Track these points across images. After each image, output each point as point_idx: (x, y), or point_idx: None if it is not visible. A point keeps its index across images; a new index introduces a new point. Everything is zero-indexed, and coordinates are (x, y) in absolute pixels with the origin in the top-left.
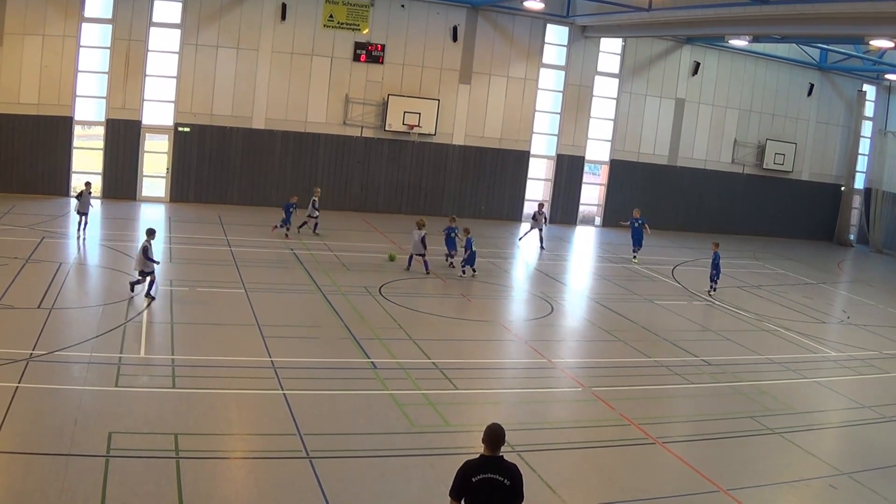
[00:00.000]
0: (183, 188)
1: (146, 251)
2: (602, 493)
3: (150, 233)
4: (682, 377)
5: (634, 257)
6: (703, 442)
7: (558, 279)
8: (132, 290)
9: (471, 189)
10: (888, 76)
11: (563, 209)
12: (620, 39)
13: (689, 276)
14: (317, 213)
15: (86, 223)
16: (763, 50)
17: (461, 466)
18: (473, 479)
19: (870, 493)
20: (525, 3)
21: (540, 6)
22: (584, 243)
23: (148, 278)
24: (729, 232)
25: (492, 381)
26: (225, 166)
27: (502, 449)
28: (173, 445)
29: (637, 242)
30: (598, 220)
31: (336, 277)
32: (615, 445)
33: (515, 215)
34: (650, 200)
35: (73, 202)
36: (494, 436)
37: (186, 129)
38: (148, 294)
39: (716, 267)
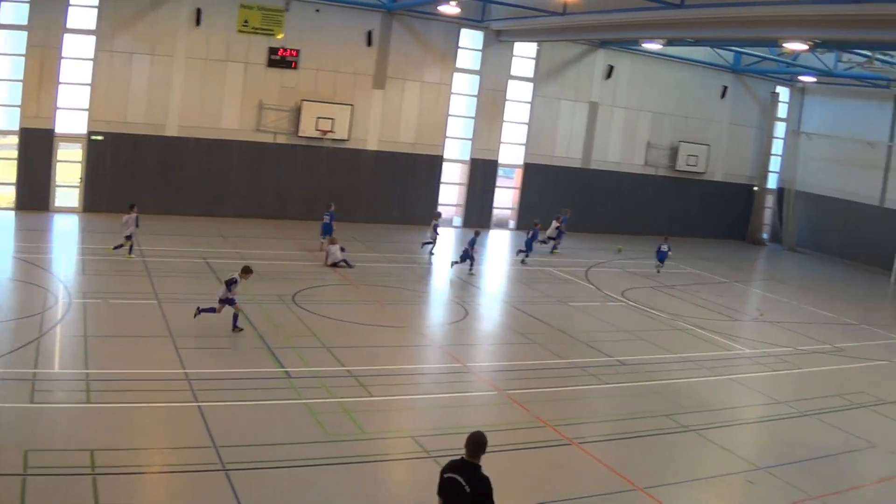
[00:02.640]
0: (96, 198)
1: (230, 284)
2: (520, 496)
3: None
4: (597, 378)
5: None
6: (620, 441)
7: (472, 283)
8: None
9: (384, 194)
10: (802, 78)
11: (477, 213)
12: (535, 43)
13: (602, 277)
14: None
15: None
16: (677, 53)
17: (444, 465)
18: (444, 476)
19: (787, 486)
20: (440, 8)
21: (455, 11)
22: (498, 247)
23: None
24: (643, 233)
25: (407, 387)
26: (138, 175)
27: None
28: (90, 462)
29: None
30: (511, 224)
31: (249, 286)
32: (531, 448)
33: (429, 220)
34: (564, 203)
35: None
36: (471, 442)
37: (100, 138)
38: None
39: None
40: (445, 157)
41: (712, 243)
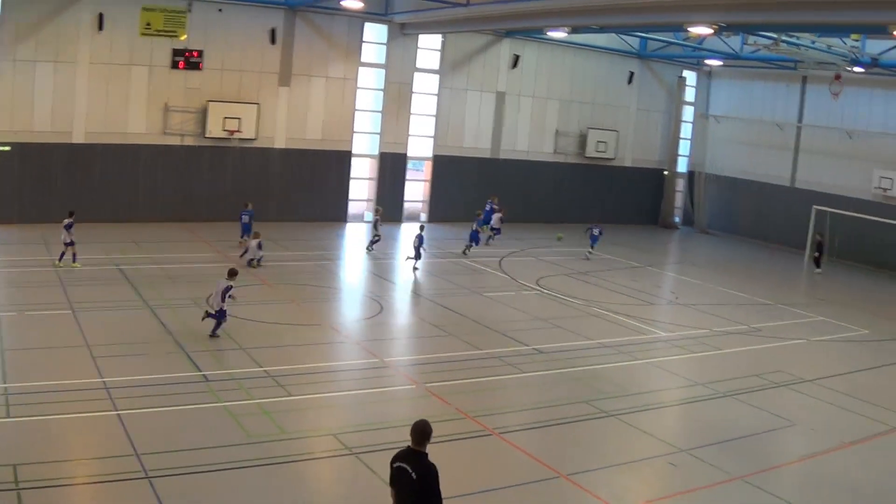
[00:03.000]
0: (5, 209)
1: (227, 291)
2: (444, 489)
3: (233, 273)
4: (515, 367)
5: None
6: (541, 430)
7: (386, 278)
8: (214, 334)
9: (294, 192)
10: (708, 62)
11: (389, 207)
12: (439, 35)
13: (517, 266)
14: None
15: None
16: (583, 40)
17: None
18: (392, 465)
19: (709, 467)
20: (343, 3)
21: (358, 5)
22: (411, 240)
23: (219, 319)
24: (556, 221)
25: (325, 385)
26: (47, 183)
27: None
28: (13, 477)
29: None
30: (423, 217)
31: (163, 291)
32: (453, 440)
33: (340, 216)
34: (475, 194)
35: None
36: (415, 431)
37: (6, 148)
38: (214, 333)
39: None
40: (354, 152)
41: (625, 228)
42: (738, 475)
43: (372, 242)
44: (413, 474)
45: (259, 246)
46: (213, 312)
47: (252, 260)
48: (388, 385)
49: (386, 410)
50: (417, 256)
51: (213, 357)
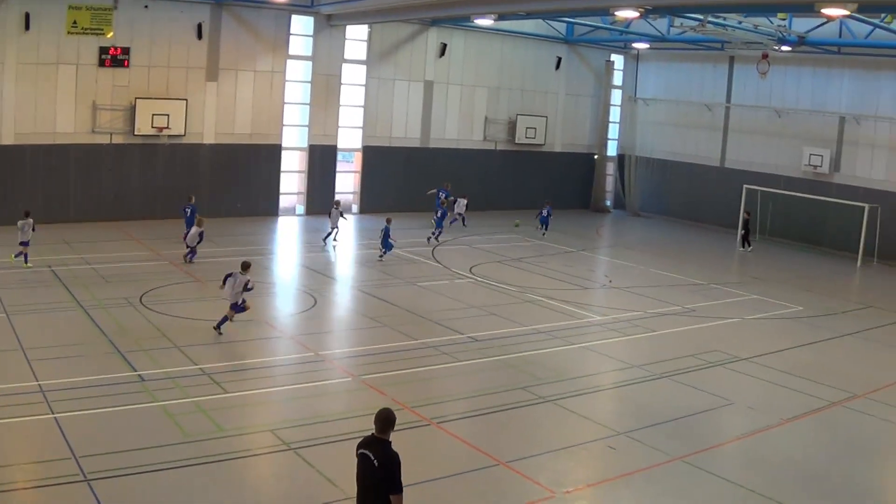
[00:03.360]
0: None
1: (247, 285)
2: None
3: (246, 266)
4: (451, 356)
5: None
6: (479, 418)
7: (320, 271)
8: (218, 330)
9: (225, 187)
10: (635, 45)
11: (319, 199)
12: (366, 26)
13: (449, 255)
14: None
15: None
16: (509, 27)
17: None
18: (357, 453)
19: (648, 449)
20: None
21: None
22: (343, 232)
23: (232, 311)
24: (487, 208)
25: (261, 381)
26: None
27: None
28: None
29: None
30: (354, 208)
31: (96, 291)
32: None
33: (271, 210)
34: (406, 184)
35: None
36: (378, 419)
37: None
38: (218, 326)
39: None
40: (284, 145)
41: (556, 213)
42: (677, 456)
43: (328, 235)
44: (375, 462)
45: (200, 236)
46: (235, 304)
47: (192, 246)
48: (324, 379)
49: (323, 404)
50: (387, 248)
51: (148, 357)
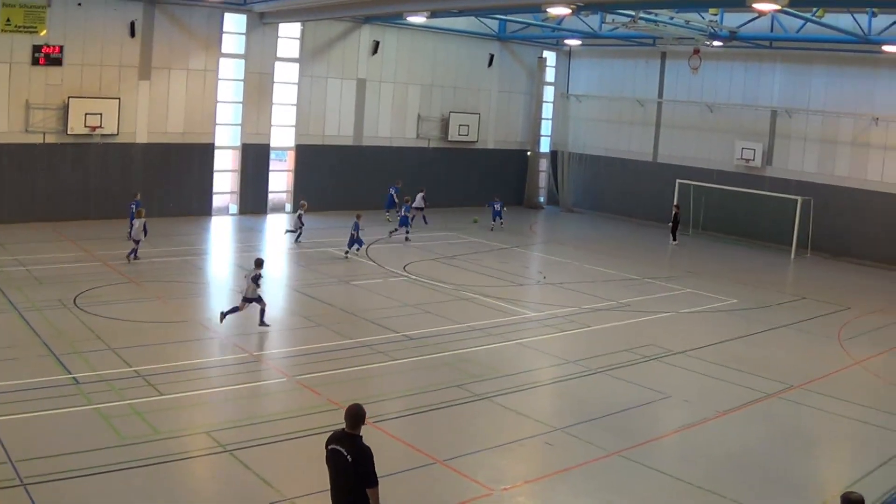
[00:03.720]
0: None
1: (257, 279)
2: (319, 482)
3: (260, 263)
4: (386, 354)
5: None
6: (415, 416)
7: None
8: (262, 323)
9: (158, 187)
10: (567, 41)
11: (252, 199)
12: (299, 23)
13: (383, 254)
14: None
15: None
16: (442, 25)
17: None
18: (327, 448)
19: (585, 444)
20: None
21: None
22: (277, 231)
23: (259, 305)
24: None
25: (196, 382)
26: None
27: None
28: None
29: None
30: (287, 207)
31: (29, 292)
32: (326, 431)
33: (205, 209)
34: (339, 182)
35: None
36: (349, 415)
37: None
38: (262, 322)
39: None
40: (217, 144)
41: (489, 210)
42: (614, 450)
43: (292, 233)
44: (348, 457)
45: (144, 228)
46: (254, 298)
47: (137, 240)
48: (259, 379)
49: (258, 405)
50: (358, 243)
51: (82, 359)
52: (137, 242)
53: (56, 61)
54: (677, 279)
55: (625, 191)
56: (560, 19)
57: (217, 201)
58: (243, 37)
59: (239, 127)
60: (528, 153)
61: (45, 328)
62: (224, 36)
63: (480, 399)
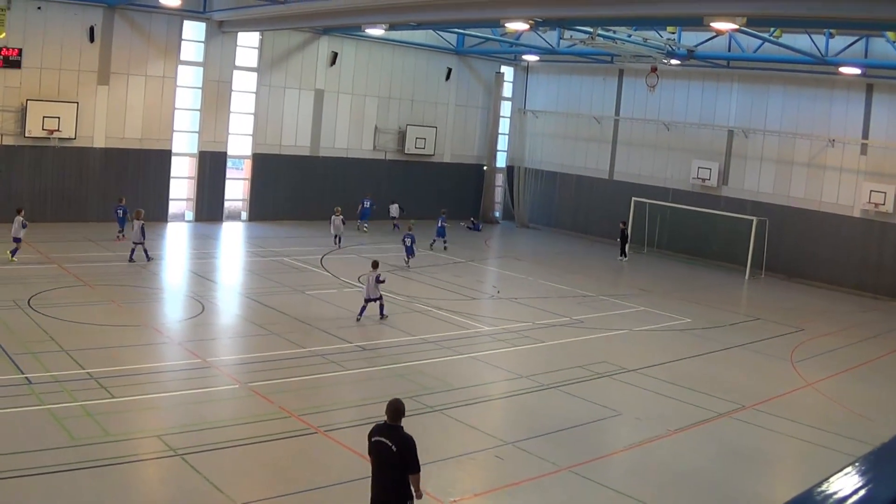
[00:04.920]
0: None
1: (378, 278)
2: (269, 488)
3: (376, 264)
4: (339, 364)
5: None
6: (366, 426)
7: (208, 277)
8: (383, 315)
9: (114, 192)
10: (525, 57)
11: (209, 206)
12: (258, 33)
13: (338, 264)
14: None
15: None
16: (400, 37)
17: (369, 430)
18: (371, 440)
19: (536, 459)
20: (161, 1)
21: (177, 3)
22: (232, 239)
23: (378, 302)
24: (375, 218)
25: (148, 386)
26: None
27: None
28: None
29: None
30: (244, 216)
31: None
32: (277, 439)
33: (161, 215)
34: (295, 192)
35: None
36: (391, 409)
37: None
38: (382, 315)
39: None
40: (174, 150)
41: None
42: (565, 466)
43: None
44: (393, 447)
45: (142, 230)
46: (374, 298)
47: (139, 242)
48: (211, 385)
49: (210, 410)
50: (410, 254)
51: (35, 360)
52: (136, 244)
53: (15, 64)
54: (631, 297)
55: (580, 208)
56: (518, 35)
57: (173, 208)
58: (202, 45)
59: (196, 134)
60: (485, 168)
61: None
62: (183, 43)
63: (432, 411)
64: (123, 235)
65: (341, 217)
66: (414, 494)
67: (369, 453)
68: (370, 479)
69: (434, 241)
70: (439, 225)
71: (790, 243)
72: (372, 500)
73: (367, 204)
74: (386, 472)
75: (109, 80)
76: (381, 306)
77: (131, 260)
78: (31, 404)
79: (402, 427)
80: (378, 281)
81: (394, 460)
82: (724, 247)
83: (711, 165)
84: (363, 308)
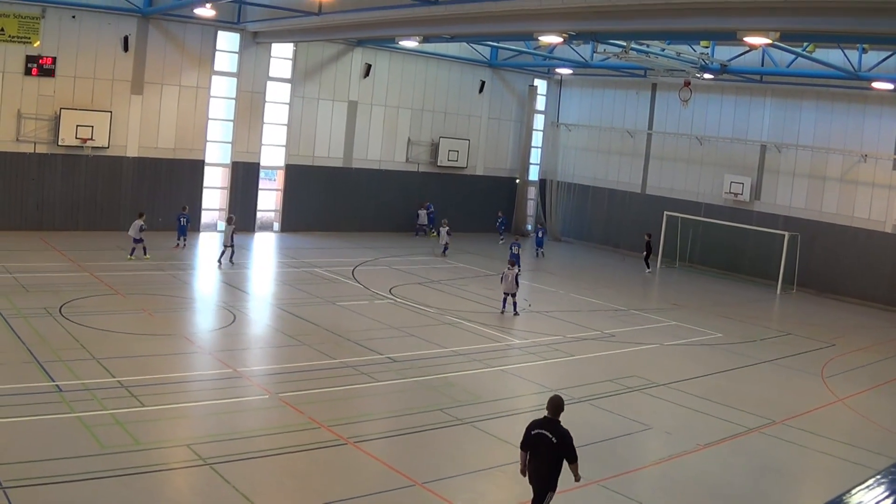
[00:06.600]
0: None
1: (517, 276)
2: (298, 498)
3: (516, 258)
4: (369, 376)
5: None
6: (396, 438)
7: (240, 287)
8: (516, 313)
9: (147, 201)
10: (559, 70)
11: (241, 216)
12: (292, 44)
13: (369, 275)
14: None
15: None
16: (434, 50)
17: (528, 424)
18: (532, 433)
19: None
20: (196, 11)
21: (211, 13)
22: (265, 250)
23: (513, 298)
24: (408, 230)
25: (179, 395)
26: None
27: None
28: None
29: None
30: (276, 226)
31: (15, 300)
32: (307, 450)
33: (193, 226)
34: (328, 203)
35: None
36: (552, 404)
37: None
38: (516, 312)
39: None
40: (207, 161)
41: (477, 237)
42: (594, 479)
43: (222, 254)
44: (553, 439)
45: (141, 228)
46: (513, 293)
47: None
48: (241, 395)
49: (239, 420)
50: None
51: (66, 367)
52: (136, 241)
53: (49, 72)
54: (663, 311)
55: (612, 221)
56: (552, 48)
57: (206, 217)
58: (236, 55)
59: (230, 145)
60: (517, 181)
61: (29, 335)
62: (217, 54)
63: (462, 424)
64: (185, 243)
65: (447, 228)
66: (574, 478)
67: (525, 445)
68: (527, 468)
69: (537, 251)
70: (538, 236)
71: (822, 258)
72: (533, 487)
73: (426, 213)
74: (545, 461)
75: (143, 89)
76: (515, 304)
77: (130, 255)
78: (62, 412)
79: (560, 421)
80: (517, 278)
81: (552, 451)
82: (756, 261)
83: (744, 180)
84: (504, 300)
